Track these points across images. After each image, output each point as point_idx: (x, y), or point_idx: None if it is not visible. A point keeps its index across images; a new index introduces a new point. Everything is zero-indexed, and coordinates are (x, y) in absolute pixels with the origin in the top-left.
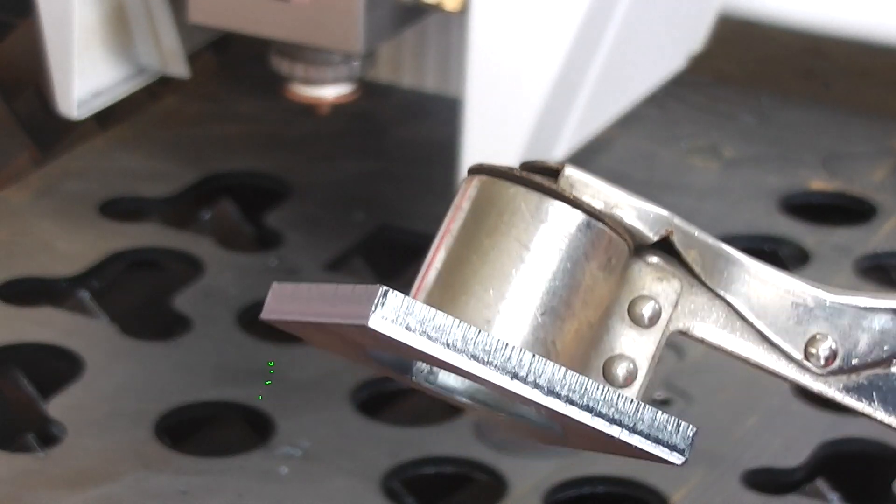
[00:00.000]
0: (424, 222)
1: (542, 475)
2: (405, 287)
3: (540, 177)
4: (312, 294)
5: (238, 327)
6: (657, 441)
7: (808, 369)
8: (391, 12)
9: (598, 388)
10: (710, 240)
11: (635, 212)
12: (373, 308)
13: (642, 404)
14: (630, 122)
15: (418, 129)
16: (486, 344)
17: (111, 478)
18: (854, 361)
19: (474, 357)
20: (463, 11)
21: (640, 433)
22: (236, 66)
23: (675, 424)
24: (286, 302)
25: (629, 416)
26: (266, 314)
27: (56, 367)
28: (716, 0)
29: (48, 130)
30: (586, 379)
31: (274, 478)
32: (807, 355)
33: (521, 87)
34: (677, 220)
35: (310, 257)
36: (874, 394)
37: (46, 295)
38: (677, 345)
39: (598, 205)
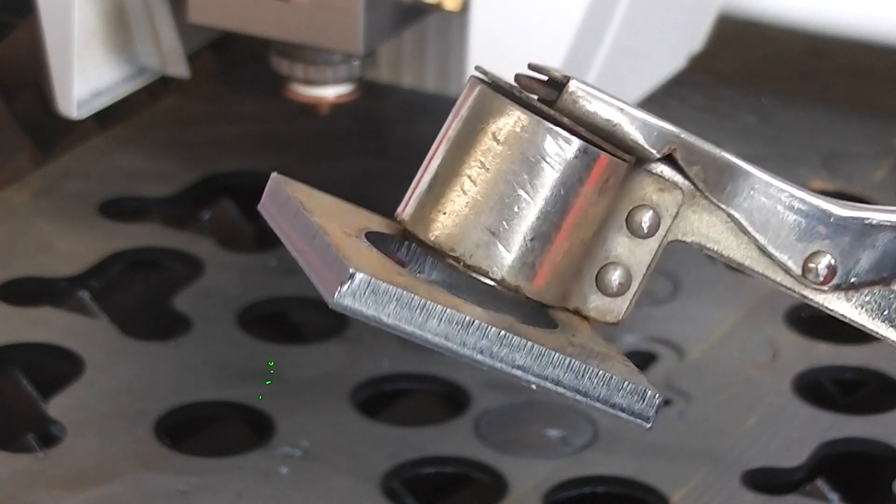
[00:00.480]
0: None
1: (542, 475)
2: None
3: (542, 89)
4: (297, 222)
5: (238, 327)
6: (622, 409)
7: (806, 284)
8: (391, 12)
9: (563, 362)
10: (718, 153)
11: (639, 127)
12: (338, 288)
13: (608, 375)
14: None
15: (418, 129)
16: (448, 322)
17: (111, 478)
18: (853, 280)
19: (438, 335)
20: (463, 11)
21: (605, 402)
22: (236, 66)
23: (640, 392)
24: (276, 208)
25: (594, 388)
26: (261, 206)
27: (56, 367)
28: (716, 0)
29: (48, 130)
30: (553, 353)
31: (274, 478)
32: (805, 270)
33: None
34: (683, 136)
35: None
36: (874, 309)
37: (46, 295)
38: (677, 345)
39: (600, 120)
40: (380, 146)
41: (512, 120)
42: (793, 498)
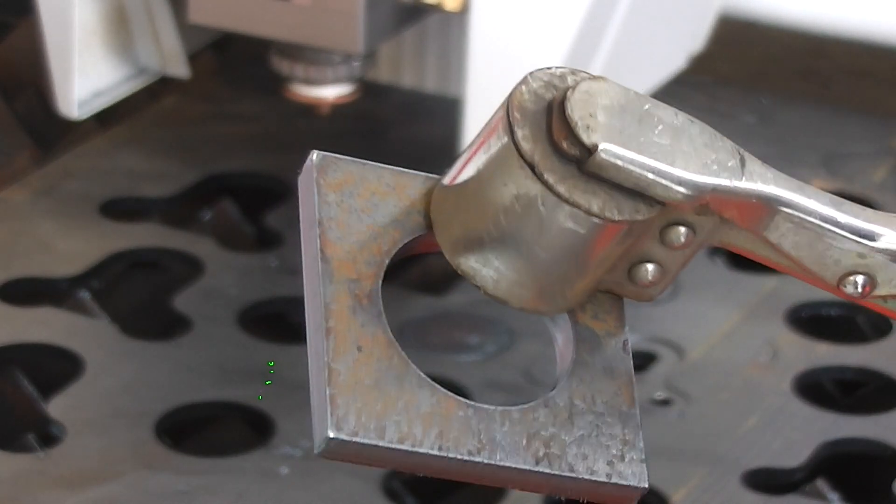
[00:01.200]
0: None
1: None
2: (402, 288)
3: (572, 147)
4: (311, 263)
5: (238, 327)
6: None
7: (843, 292)
8: (391, 12)
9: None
10: (754, 193)
11: (671, 185)
12: (321, 445)
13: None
14: None
15: (418, 129)
16: (439, 446)
17: (111, 478)
18: (892, 291)
19: (429, 455)
20: (463, 11)
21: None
22: (236, 67)
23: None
24: (304, 201)
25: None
26: (299, 182)
27: (56, 367)
28: (716, 0)
29: (48, 130)
30: (527, 471)
31: (274, 478)
32: (841, 283)
33: None
34: (713, 187)
35: None
36: None
37: (47, 295)
38: (677, 345)
39: (629, 183)
40: (380, 146)
41: (533, 193)
42: (793, 498)
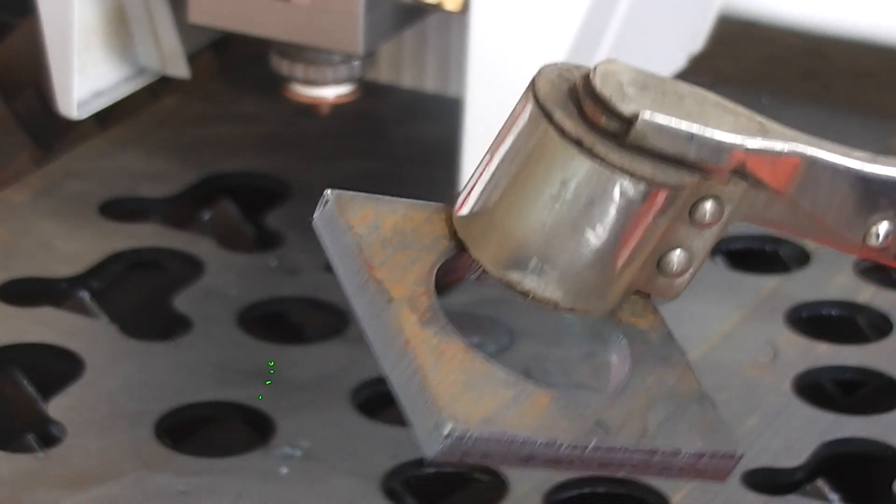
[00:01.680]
0: None
1: (543, 475)
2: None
3: (609, 122)
4: (365, 292)
5: (238, 327)
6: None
7: (864, 247)
8: (391, 12)
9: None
10: (784, 146)
11: (711, 151)
12: (436, 447)
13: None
14: None
15: (418, 129)
16: (548, 435)
17: (111, 478)
18: None
19: (541, 444)
20: (463, 11)
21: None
22: (236, 67)
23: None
24: (333, 242)
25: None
26: (315, 225)
27: (56, 367)
28: (716, 0)
29: (48, 130)
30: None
31: (274, 478)
32: (866, 237)
33: (522, 88)
34: (750, 144)
35: (310, 257)
36: None
37: (46, 295)
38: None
39: (670, 151)
40: (380, 147)
41: (582, 172)
42: (793, 498)
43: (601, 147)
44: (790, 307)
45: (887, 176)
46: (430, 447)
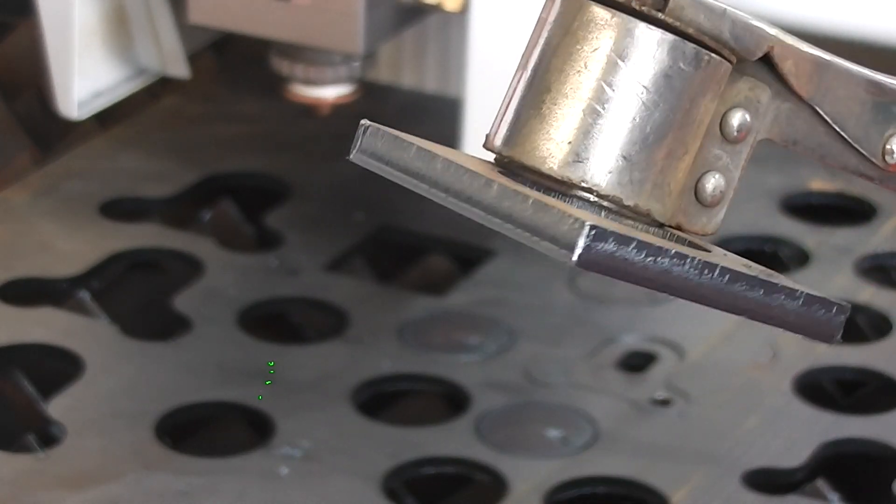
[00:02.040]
0: (424, 222)
1: (542, 475)
2: (402, 288)
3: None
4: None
5: (238, 327)
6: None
7: (882, 167)
8: (391, 12)
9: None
10: (804, 46)
11: (742, 30)
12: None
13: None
14: None
15: (418, 129)
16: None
17: (111, 478)
18: None
19: (672, 264)
20: (463, 11)
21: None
22: (236, 67)
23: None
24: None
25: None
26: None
27: (56, 368)
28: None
29: (48, 131)
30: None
31: (274, 478)
32: (883, 153)
33: None
34: (775, 32)
35: (310, 257)
36: None
37: (47, 295)
38: (677, 345)
39: (706, 26)
40: None
41: (635, 36)
42: (793, 498)
43: (647, 13)
44: None
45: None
46: (573, 248)
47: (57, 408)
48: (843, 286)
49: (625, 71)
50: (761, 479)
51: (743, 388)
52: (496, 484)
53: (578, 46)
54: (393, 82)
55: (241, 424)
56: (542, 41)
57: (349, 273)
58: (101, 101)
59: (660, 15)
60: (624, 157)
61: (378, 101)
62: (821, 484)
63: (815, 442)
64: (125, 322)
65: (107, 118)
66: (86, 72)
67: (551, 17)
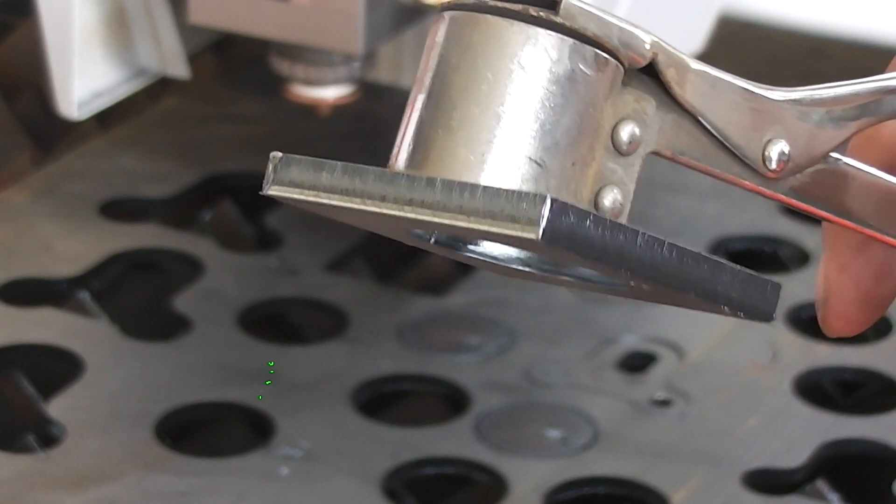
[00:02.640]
0: None
1: (542, 475)
2: (401, 289)
3: (533, 8)
4: None
5: (238, 328)
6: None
7: (763, 174)
8: (391, 13)
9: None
10: (684, 56)
11: (629, 37)
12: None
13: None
14: None
15: None
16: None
17: (111, 478)
18: (801, 160)
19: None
20: None
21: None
22: (236, 67)
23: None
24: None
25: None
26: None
27: (56, 368)
28: (716, 0)
29: (48, 131)
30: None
31: (274, 478)
32: (764, 160)
33: None
34: (657, 40)
35: (310, 258)
36: (817, 191)
37: (47, 296)
38: (677, 345)
39: (595, 32)
40: (380, 147)
41: (537, 42)
42: (793, 499)
43: (545, 18)
44: (790, 307)
45: (779, 98)
46: (536, 223)
47: (57, 408)
48: None
49: (530, 77)
50: (761, 480)
51: (743, 388)
52: (496, 484)
53: (480, 60)
54: (393, 82)
55: (241, 424)
56: (437, 62)
57: (349, 273)
58: (102, 102)
59: (558, 19)
60: (539, 164)
61: (378, 101)
62: (821, 484)
63: (815, 442)
64: (125, 322)
65: (107, 118)
66: (86, 72)
67: (442, 39)
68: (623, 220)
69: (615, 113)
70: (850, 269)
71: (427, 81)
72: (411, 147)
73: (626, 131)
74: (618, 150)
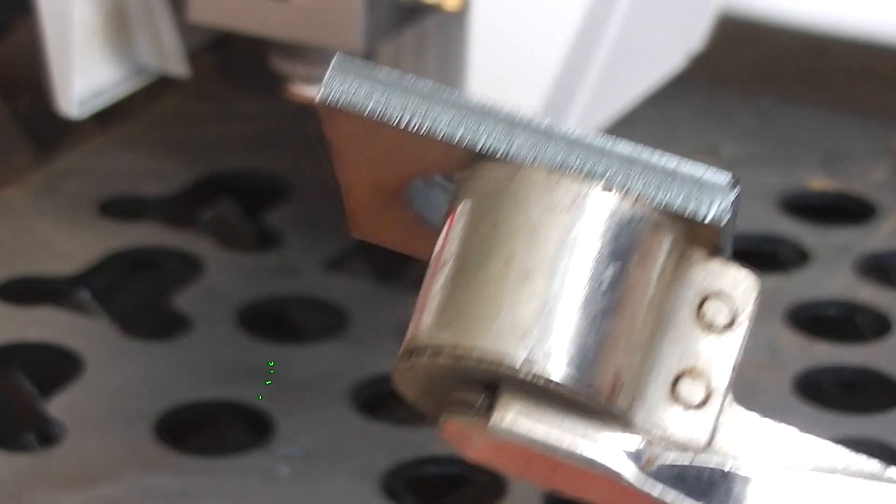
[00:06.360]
0: None
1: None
2: (401, 288)
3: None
4: None
5: (238, 327)
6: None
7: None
8: (391, 12)
9: None
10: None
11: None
12: None
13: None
14: (630, 122)
15: None
16: None
17: (111, 478)
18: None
19: None
20: (463, 11)
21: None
22: (236, 66)
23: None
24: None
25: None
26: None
27: (56, 367)
28: (716, 0)
29: (48, 130)
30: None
31: (274, 478)
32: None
33: (522, 87)
34: None
35: (310, 257)
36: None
37: (47, 294)
38: None
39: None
40: None
41: (570, 196)
42: None
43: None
44: (789, 307)
45: None
46: (718, 203)
47: (57, 407)
48: (842, 285)
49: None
50: None
51: (743, 388)
52: (496, 484)
53: (513, 222)
54: None
55: (240, 424)
56: (454, 242)
57: (349, 273)
58: (101, 100)
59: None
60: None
61: None
62: None
63: None
64: (125, 321)
65: (107, 117)
66: (86, 71)
67: (461, 221)
68: (712, 413)
69: (697, 287)
70: None
71: (447, 251)
72: (441, 317)
73: (712, 307)
74: (706, 326)
